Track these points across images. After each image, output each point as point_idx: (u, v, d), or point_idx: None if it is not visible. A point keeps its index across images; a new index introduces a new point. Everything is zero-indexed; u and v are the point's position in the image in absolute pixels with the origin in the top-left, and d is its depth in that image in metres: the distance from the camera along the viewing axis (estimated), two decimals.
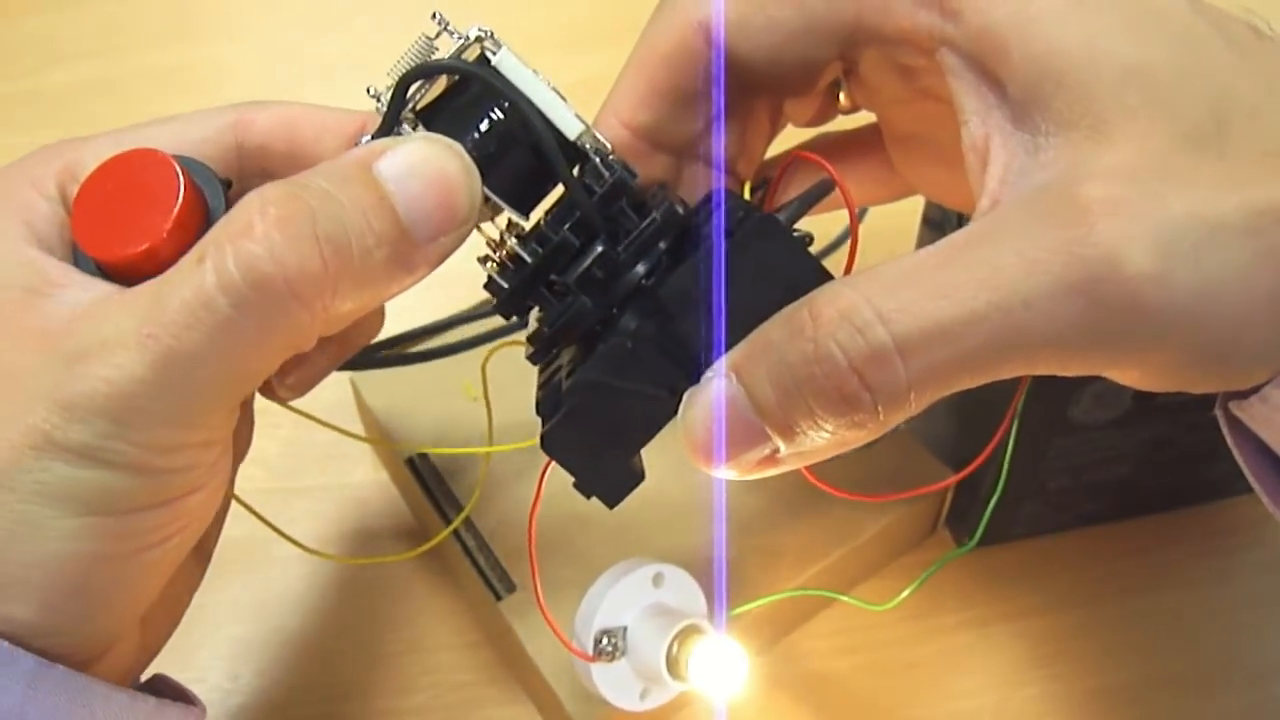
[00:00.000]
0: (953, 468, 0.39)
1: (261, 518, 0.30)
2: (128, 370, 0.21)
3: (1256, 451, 0.23)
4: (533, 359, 0.26)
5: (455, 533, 0.37)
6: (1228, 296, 0.19)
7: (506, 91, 0.22)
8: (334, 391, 0.43)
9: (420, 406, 0.42)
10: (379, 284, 0.22)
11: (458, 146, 0.22)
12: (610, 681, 0.28)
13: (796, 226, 0.24)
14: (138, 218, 0.23)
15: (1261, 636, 0.39)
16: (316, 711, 0.38)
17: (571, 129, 0.23)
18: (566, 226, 0.23)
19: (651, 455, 0.24)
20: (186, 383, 0.21)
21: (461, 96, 0.23)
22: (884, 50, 0.24)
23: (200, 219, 0.24)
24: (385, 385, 0.42)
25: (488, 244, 0.25)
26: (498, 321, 0.44)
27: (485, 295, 0.43)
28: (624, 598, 0.28)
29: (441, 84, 0.23)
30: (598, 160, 0.23)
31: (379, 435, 0.43)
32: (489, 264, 0.25)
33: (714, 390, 0.21)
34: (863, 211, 0.46)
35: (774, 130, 0.30)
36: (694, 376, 0.22)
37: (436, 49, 0.23)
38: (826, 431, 0.21)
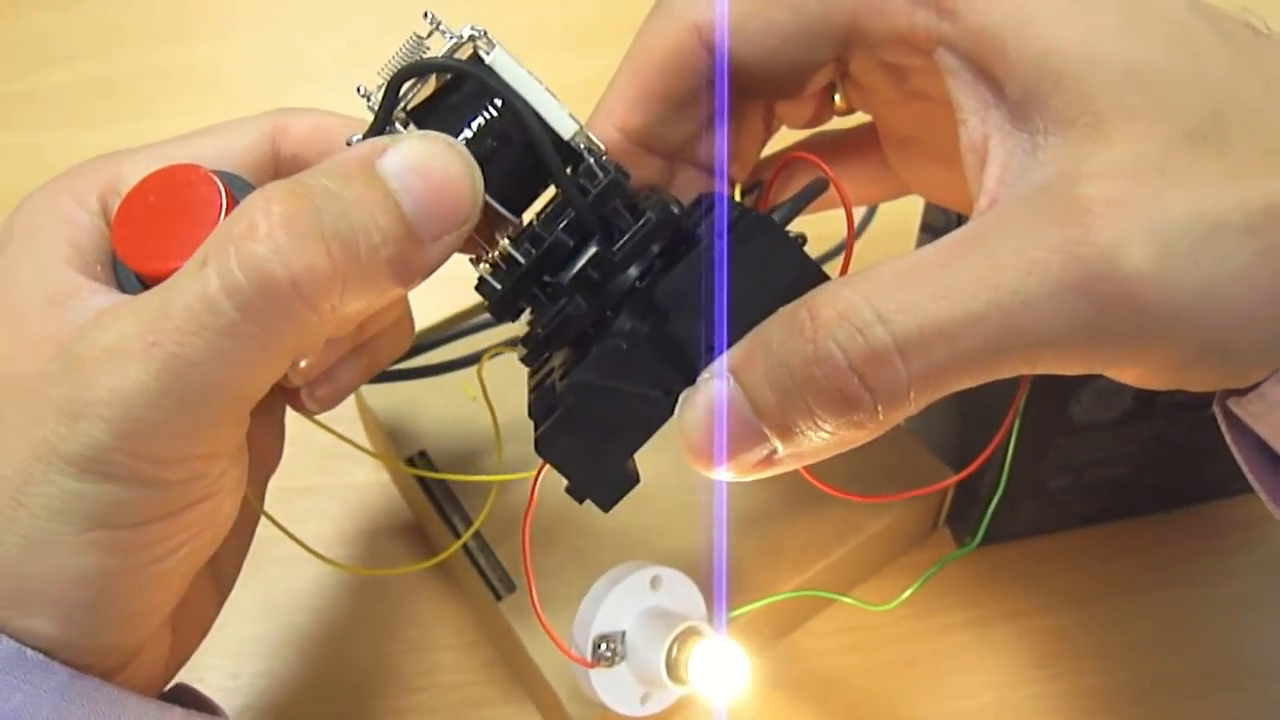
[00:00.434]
0: (953, 467, 0.39)
1: (284, 529, 0.30)
2: (131, 379, 0.20)
3: (1255, 449, 0.23)
4: (526, 361, 0.26)
5: (456, 533, 0.37)
6: (1227, 294, 0.19)
7: (501, 90, 0.22)
8: None
9: (420, 406, 0.42)
10: (384, 284, 0.22)
11: (459, 144, 0.22)
12: (610, 687, 0.28)
13: (790, 227, 0.24)
14: (179, 232, 0.24)
15: (1261, 636, 0.39)
16: (317, 711, 0.38)
17: (566, 129, 0.23)
18: (560, 227, 0.23)
19: (648, 455, 0.24)
20: (191, 391, 0.21)
21: (454, 95, 0.23)
22: (880, 51, 0.24)
23: None
24: (386, 385, 0.42)
25: (479, 245, 0.25)
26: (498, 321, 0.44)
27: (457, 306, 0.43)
28: (622, 602, 0.28)
29: (433, 83, 0.23)
30: (592, 160, 0.23)
31: (379, 435, 0.43)
32: (481, 265, 0.24)
33: (712, 391, 0.21)
34: (870, 213, 0.46)
35: (768, 133, 0.30)
36: (690, 378, 0.22)
37: (428, 48, 0.23)
38: (826, 432, 0.21)
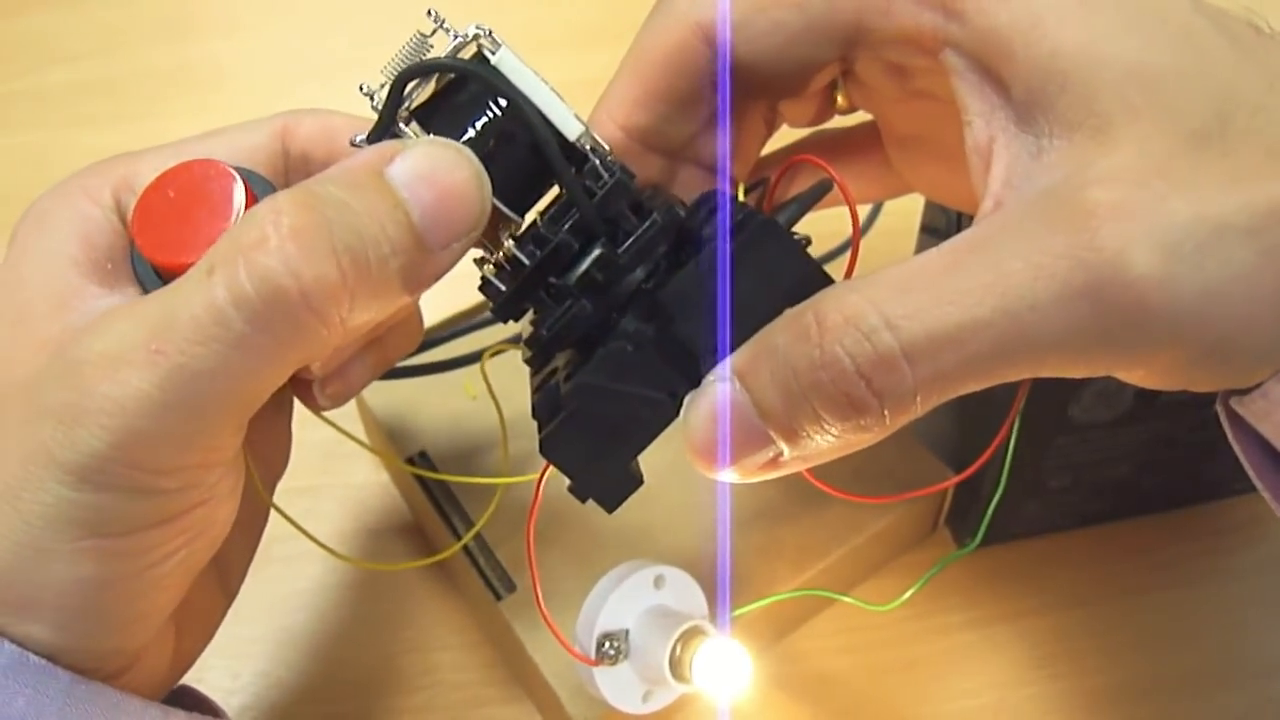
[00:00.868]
0: (953, 466, 0.39)
1: (294, 523, 0.30)
2: (133, 388, 0.20)
3: (1258, 448, 0.23)
4: (530, 363, 0.26)
5: (456, 533, 0.37)
6: (1232, 297, 0.19)
7: (507, 91, 0.22)
8: None
9: (421, 405, 0.42)
10: (393, 293, 0.22)
11: (468, 151, 0.22)
12: (613, 685, 0.28)
13: (794, 229, 0.24)
14: (198, 225, 0.24)
15: (1261, 636, 0.39)
16: (317, 711, 0.38)
17: (571, 130, 0.23)
18: (565, 228, 0.23)
19: (650, 454, 0.24)
20: (193, 401, 0.20)
21: (459, 95, 0.23)
22: (885, 51, 0.24)
23: None
24: (386, 385, 0.42)
25: (482, 245, 0.25)
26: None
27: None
28: (625, 601, 0.28)
29: (436, 82, 0.23)
30: (597, 161, 0.23)
31: (379, 435, 0.43)
32: (485, 266, 0.24)
33: (717, 394, 0.21)
34: (874, 212, 0.46)
35: (769, 131, 0.30)
36: (695, 380, 0.22)
37: (431, 47, 0.23)
38: (831, 435, 0.21)
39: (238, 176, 0.24)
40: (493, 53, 0.22)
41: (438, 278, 0.23)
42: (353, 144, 0.23)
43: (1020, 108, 0.21)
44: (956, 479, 0.26)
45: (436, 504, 0.38)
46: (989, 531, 0.40)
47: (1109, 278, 0.19)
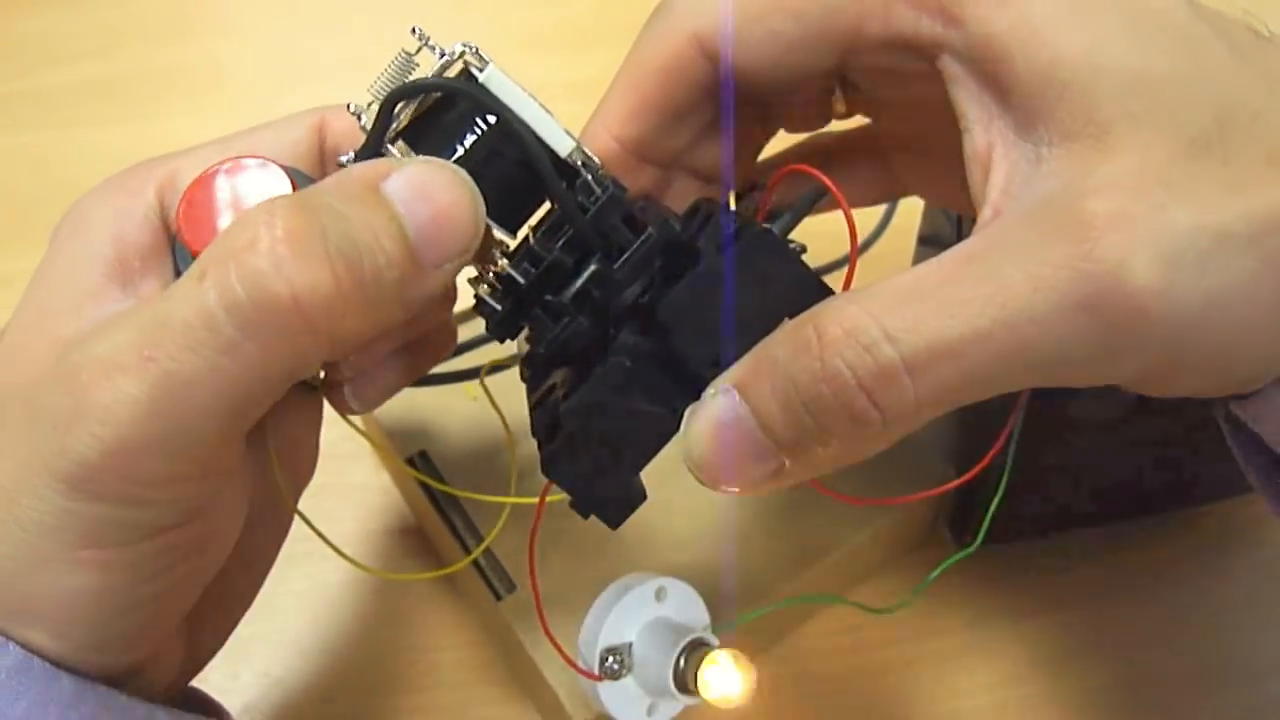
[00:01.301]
0: (954, 467, 0.39)
1: (319, 531, 0.30)
2: (124, 394, 0.20)
3: (1257, 451, 0.23)
4: (529, 381, 0.26)
5: (456, 533, 0.37)
6: (1232, 305, 0.19)
7: (496, 108, 0.22)
8: None
9: (421, 407, 0.42)
10: (386, 309, 0.22)
11: (462, 171, 0.22)
12: (617, 699, 0.28)
13: (790, 238, 0.23)
14: None
15: (1261, 636, 0.39)
16: (317, 711, 0.38)
17: (563, 146, 0.23)
18: (559, 245, 0.23)
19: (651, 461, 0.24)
20: (182, 410, 0.20)
21: (447, 114, 0.23)
22: (883, 58, 0.24)
23: None
24: None
25: (476, 264, 0.24)
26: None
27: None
28: (627, 614, 0.28)
29: (423, 101, 0.23)
30: (589, 176, 0.23)
31: (380, 436, 0.43)
32: (480, 285, 0.24)
33: (717, 408, 0.21)
34: (888, 214, 0.46)
35: (765, 139, 0.30)
36: (695, 393, 0.22)
37: (417, 65, 0.23)
38: (832, 447, 0.21)
39: (285, 173, 0.24)
40: (480, 70, 0.22)
41: (430, 298, 0.22)
42: (339, 163, 0.23)
43: (1019, 115, 0.21)
44: (959, 481, 0.26)
45: (439, 507, 0.38)
46: (989, 531, 0.40)
47: (1109, 289, 0.19)
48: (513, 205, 0.23)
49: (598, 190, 0.23)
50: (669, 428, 0.22)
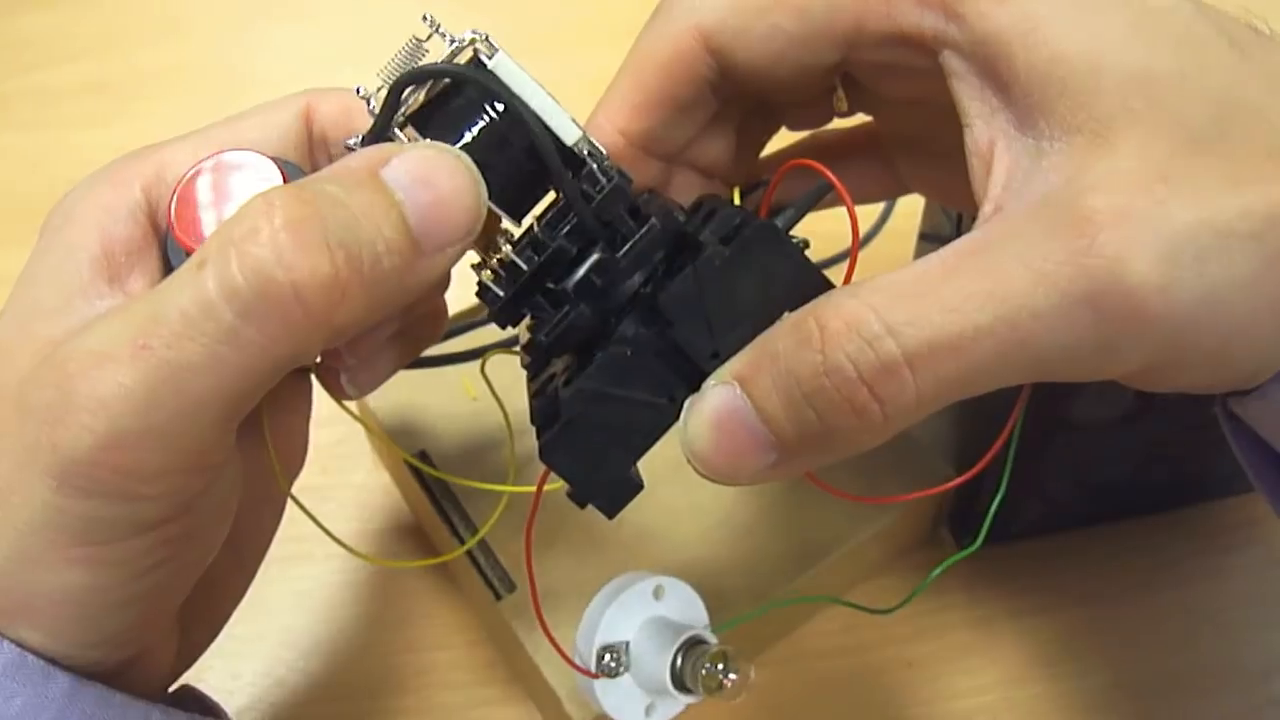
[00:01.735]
0: (954, 466, 0.39)
1: (313, 517, 0.30)
2: (116, 384, 0.20)
3: (1256, 449, 0.23)
4: (529, 369, 0.26)
5: (455, 533, 0.37)
6: (1232, 302, 0.19)
7: (505, 96, 0.22)
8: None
9: (421, 406, 0.42)
10: (385, 295, 0.22)
11: (465, 156, 0.22)
12: (615, 698, 0.28)
13: (793, 232, 0.24)
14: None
15: (1261, 636, 0.39)
16: (317, 711, 0.38)
17: (569, 135, 0.23)
18: (563, 233, 0.23)
19: (649, 455, 0.24)
20: (178, 399, 0.20)
21: (455, 100, 0.23)
22: (884, 54, 0.24)
23: None
24: (386, 385, 0.42)
25: (479, 251, 0.24)
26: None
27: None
28: (625, 612, 0.28)
29: (432, 87, 0.23)
30: (595, 166, 0.23)
31: (381, 434, 0.43)
32: (483, 271, 0.24)
33: (718, 399, 0.21)
34: (886, 212, 0.46)
35: (766, 136, 0.30)
36: (694, 384, 0.22)
37: (427, 52, 0.23)
38: (832, 440, 0.21)
39: (276, 165, 0.24)
40: (489, 57, 0.22)
41: (431, 284, 0.22)
42: (347, 147, 0.23)
43: (1020, 111, 0.21)
44: (958, 480, 0.26)
45: (438, 505, 0.38)
46: (989, 531, 0.40)
47: (1109, 285, 0.19)
48: (518, 193, 0.23)
49: (603, 180, 0.23)
50: (668, 418, 0.22)
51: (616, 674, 0.28)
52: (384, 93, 0.22)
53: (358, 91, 0.23)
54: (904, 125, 0.28)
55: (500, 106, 0.23)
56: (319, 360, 0.28)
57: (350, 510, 0.43)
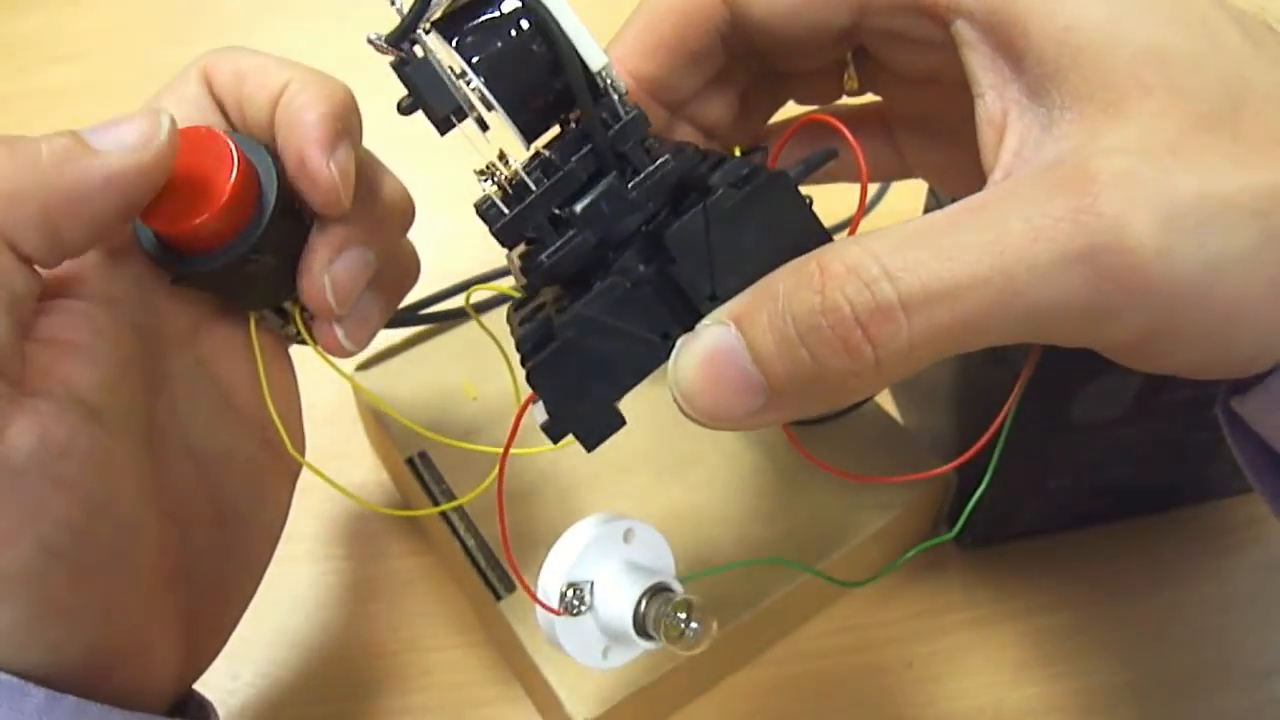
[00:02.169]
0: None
1: (324, 475, 0.30)
2: None
3: (1257, 451, 0.23)
4: (526, 291, 0.26)
5: (455, 533, 0.37)
6: (1232, 276, 0.19)
7: (538, 9, 0.22)
8: (335, 393, 0.43)
9: (421, 405, 0.42)
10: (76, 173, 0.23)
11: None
12: (574, 638, 0.28)
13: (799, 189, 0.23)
14: (196, 191, 0.25)
15: (1261, 636, 0.39)
16: (317, 711, 0.38)
17: (596, 60, 0.22)
18: (575, 158, 0.23)
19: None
20: None
21: (485, 9, 0.22)
22: (897, 21, 0.24)
23: (254, 188, 0.25)
24: (386, 385, 0.42)
25: (488, 165, 0.24)
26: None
27: (473, 272, 0.43)
28: (593, 552, 0.28)
29: None
30: (615, 97, 0.23)
31: (379, 435, 0.43)
32: (489, 184, 0.24)
33: (711, 338, 0.21)
34: (881, 191, 0.46)
35: (773, 109, 0.30)
36: (689, 324, 0.22)
37: None
38: (821, 383, 0.21)
39: (230, 141, 0.25)
40: None
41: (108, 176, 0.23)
42: (368, 41, 0.23)
43: (1032, 80, 0.21)
44: (949, 467, 0.26)
45: (437, 504, 0.38)
46: (989, 531, 0.40)
47: (1108, 243, 0.19)
48: (534, 114, 0.23)
49: (622, 112, 0.23)
50: (659, 356, 0.22)
51: (579, 612, 0.27)
52: None
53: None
54: (913, 106, 0.29)
55: (529, 21, 0.22)
56: (309, 316, 0.28)
57: (350, 509, 0.43)
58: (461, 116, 0.23)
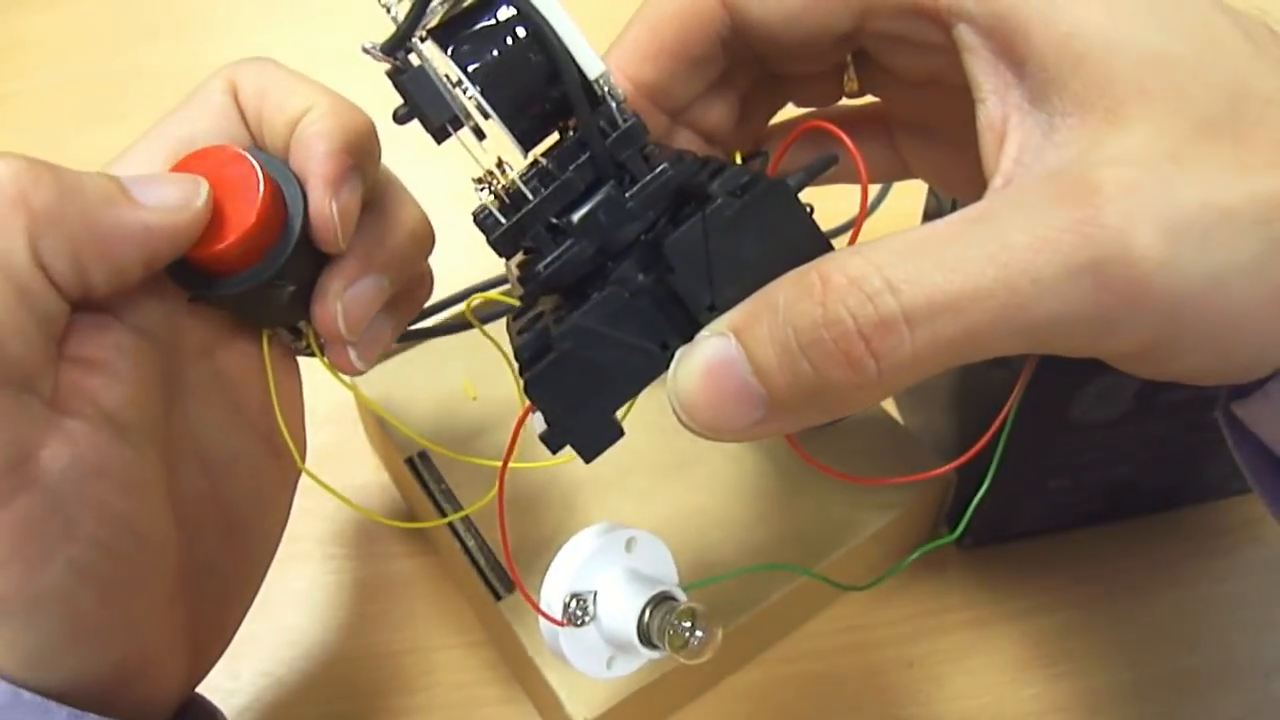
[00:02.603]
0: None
1: (325, 484, 0.30)
2: None
3: (1257, 454, 0.23)
4: (524, 300, 0.26)
5: (456, 534, 0.37)
6: (1235, 284, 0.19)
7: (535, 17, 0.22)
8: (336, 394, 0.43)
9: (421, 406, 0.42)
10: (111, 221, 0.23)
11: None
12: (577, 649, 0.28)
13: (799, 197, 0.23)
14: (221, 216, 0.24)
15: (1261, 636, 0.39)
16: (317, 711, 0.38)
17: (593, 68, 0.22)
18: (572, 168, 0.22)
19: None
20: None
21: (481, 17, 0.22)
22: (897, 24, 0.24)
23: (280, 215, 0.25)
24: (386, 386, 0.42)
25: (485, 174, 0.24)
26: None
27: (478, 279, 0.43)
28: (595, 562, 0.28)
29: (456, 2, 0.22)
30: (613, 105, 0.22)
31: (379, 436, 0.43)
32: (485, 194, 0.23)
33: (711, 349, 0.21)
34: (882, 193, 0.46)
35: (772, 111, 0.30)
36: (688, 334, 0.22)
37: None
38: (822, 396, 0.21)
39: (254, 161, 0.25)
40: None
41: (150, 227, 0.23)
42: (364, 50, 0.22)
43: (1034, 86, 0.21)
44: (949, 467, 0.26)
45: (437, 504, 0.38)
46: (989, 531, 0.40)
47: (1111, 254, 0.19)
48: (530, 123, 0.23)
49: (620, 120, 0.22)
50: (658, 366, 0.22)
51: (582, 623, 0.27)
52: (408, 1, 0.22)
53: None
54: (912, 108, 0.29)
55: (525, 29, 0.22)
56: (321, 343, 0.28)
57: (350, 509, 0.43)
58: (458, 125, 0.23)
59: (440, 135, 0.23)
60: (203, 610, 0.27)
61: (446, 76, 0.22)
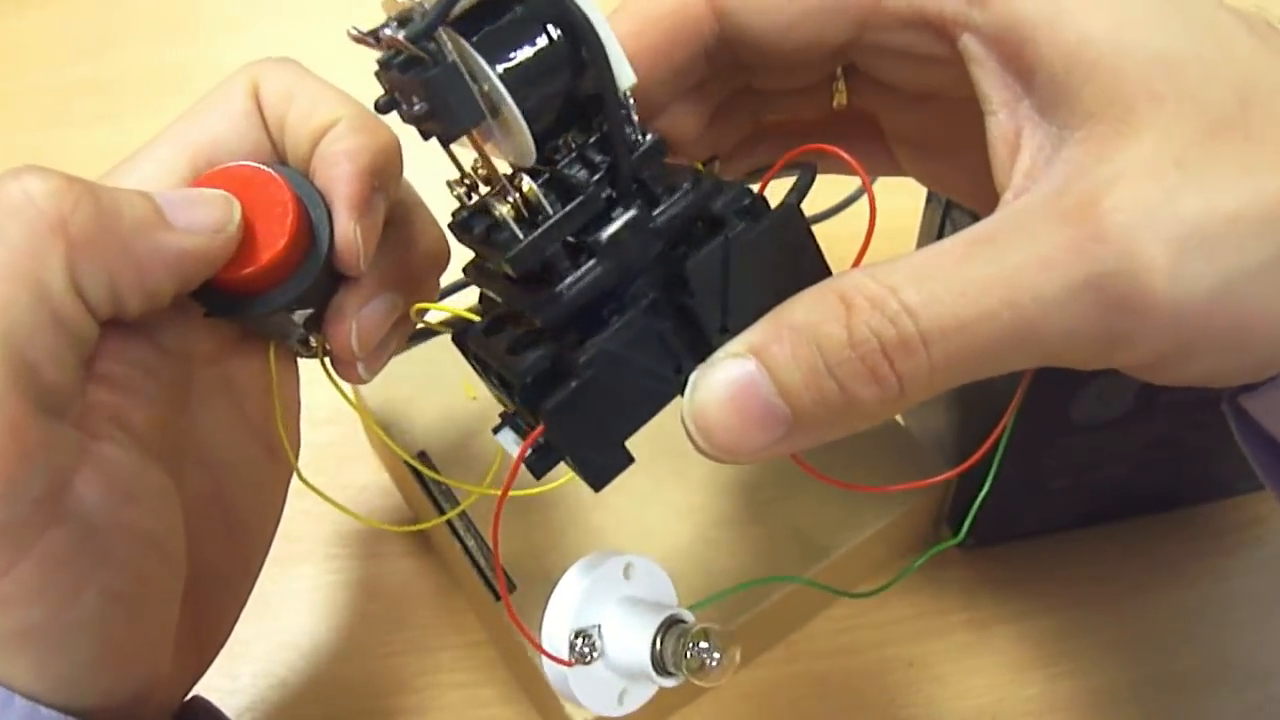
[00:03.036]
0: (953, 467, 0.39)
1: (320, 492, 0.30)
2: None
3: (1264, 446, 0.23)
4: (544, 323, 0.23)
5: (456, 533, 0.37)
6: (1245, 288, 0.19)
7: (577, 21, 0.20)
8: (335, 394, 0.43)
9: (420, 406, 0.42)
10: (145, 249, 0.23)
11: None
12: (588, 687, 0.27)
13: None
14: (248, 240, 0.24)
15: (1262, 635, 0.39)
16: (317, 711, 0.38)
17: (625, 79, 0.21)
18: (595, 180, 0.21)
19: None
20: None
21: (512, 12, 0.20)
22: (899, 36, 0.24)
23: (306, 241, 0.25)
24: (385, 385, 0.42)
25: (494, 183, 0.22)
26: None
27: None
28: (595, 594, 0.27)
29: None
30: (635, 119, 0.22)
31: (379, 436, 0.42)
32: (501, 208, 0.21)
33: (731, 371, 0.21)
34: (858, 193, 0.45)
35: (745, 123, 0.29)
36: (700, 358, 0.22)
37: None
38: (846, 414, 0.21)
39: (284, 181, 0.24)
40: None
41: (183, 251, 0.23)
42: (386, 35, 0.20)
43: (1044, 96, 0.21)
44: (949, 475, 0.26)
45: (438, 505, 0.38)
46: (989, 531, 0.40)
47: (1114, 270, 0.19)
48: (546, 129, 0.21)
49: (640, 135, 0.22)
50: (672, 390, 0.22)
51: (591, 660, 0.26)
52: None
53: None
54: (907, 119, 0.28)
55: (558, 31, 0.20)
56: (329, 352, 0.28)
57: (352, 510, 0.43)
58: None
59: (455, 136, 0.21)
60: (204, 612, 0.27)
61: (469, 71, 0.20)
